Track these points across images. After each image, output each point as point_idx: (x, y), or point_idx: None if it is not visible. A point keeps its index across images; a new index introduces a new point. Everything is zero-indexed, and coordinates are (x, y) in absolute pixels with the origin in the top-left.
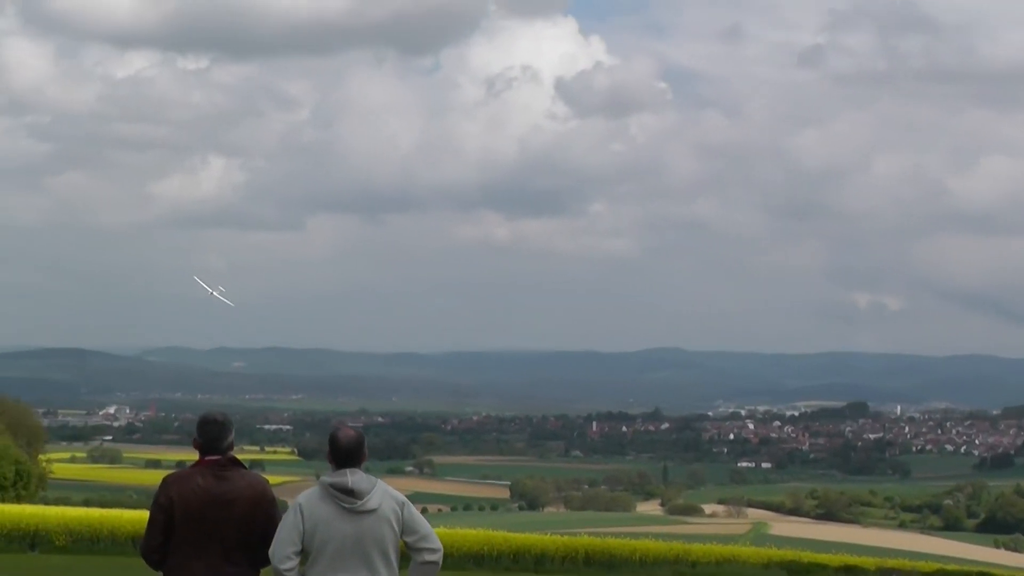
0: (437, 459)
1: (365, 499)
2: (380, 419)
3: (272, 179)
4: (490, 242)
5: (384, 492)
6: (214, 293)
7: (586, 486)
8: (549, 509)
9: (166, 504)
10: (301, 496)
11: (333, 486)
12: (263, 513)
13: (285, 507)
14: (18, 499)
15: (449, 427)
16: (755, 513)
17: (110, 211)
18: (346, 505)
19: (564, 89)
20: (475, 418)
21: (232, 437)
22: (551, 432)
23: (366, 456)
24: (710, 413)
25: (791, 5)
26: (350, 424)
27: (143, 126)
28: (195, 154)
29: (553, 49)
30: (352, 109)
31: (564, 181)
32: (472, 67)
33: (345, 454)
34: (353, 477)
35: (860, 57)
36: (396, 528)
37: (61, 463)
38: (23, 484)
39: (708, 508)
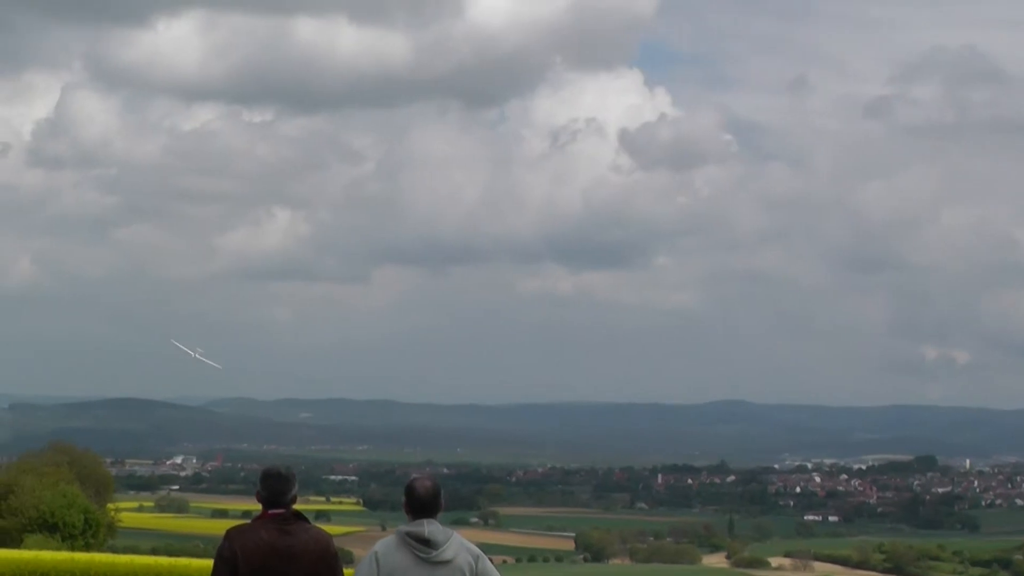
0: (502, 510)
1: (441, 549)
2: (445, 470)
3: (337, 231)
4: (554, 294)
5: (460, 544)
6: (196, 356)
7: (651, 538)
8: (614, 561)
9: (230, 557)
10: (378, 544)
11: (410, 535)
12: (327, 568)
13: (350, 558)
14: (87, 547)
15: (514, 478)
16: (822, 567)
17: (176, 263)
18: (422, 555)
19: (628, 141)
20: (540, 470)
21: (295, 490)
22: (616, 484)
23: (443, 507)
24: (776, 466)
25: (857, 57)
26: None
27: (209, 179)
28: (260, 206)
29: (618, 101)
30: (416, 161)
31: (628, 233)
32: (536, 119)
33: (422, 504)
34: (430, 527)
35: (927, 108)
36: None
37: (129, 512)
38: (92, 533)
39: (774, 561)
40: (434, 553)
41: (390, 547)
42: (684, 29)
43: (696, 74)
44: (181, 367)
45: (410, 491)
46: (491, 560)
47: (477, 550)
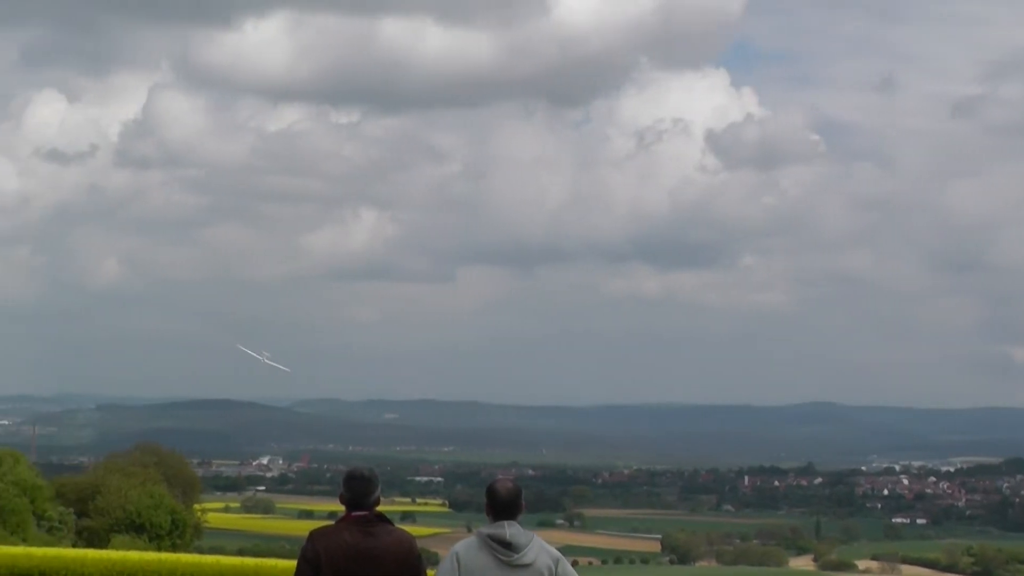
0: (587, 512)
1: (522, 552)
2: (531, 472)
3: (423, 231)
4: (640, 295)
5: (540, 547)
6: (264, 359)
7: (738, 540)
8: (700, 563)
9: (312, 558)
10: (459, 545)
11: (491, 537)
12: (410, 570)
13: (435, 560)
14: (174, 548)
15: (600, 480)
16: (909, 570)
17: (262, 263)
18: (502, 557)
19: (714, 141)
20: (626, 471)
21: (378, 492)
22: (702, 486)
23: (523, 508)
24: (864, 468)
25: (945, 56)
26: (500, 477)
27: (295, 179)
28: (346, 207)
29: (704, 101)
30: (502, 162)
31: (714, 234)
32: (622, 119)
33: (503, 506)
34: (511, 529)
35: (1015, 107)
36: None
37: (215, 512)
38: (179, 533)
39: (862, 564)
40: (515, 556)
41: (471, 548)
42: (771, 28)
43: (783, 73)
44: (267, 368)
45: (492, 492)
46: (575, 562)
47: (557, 552)
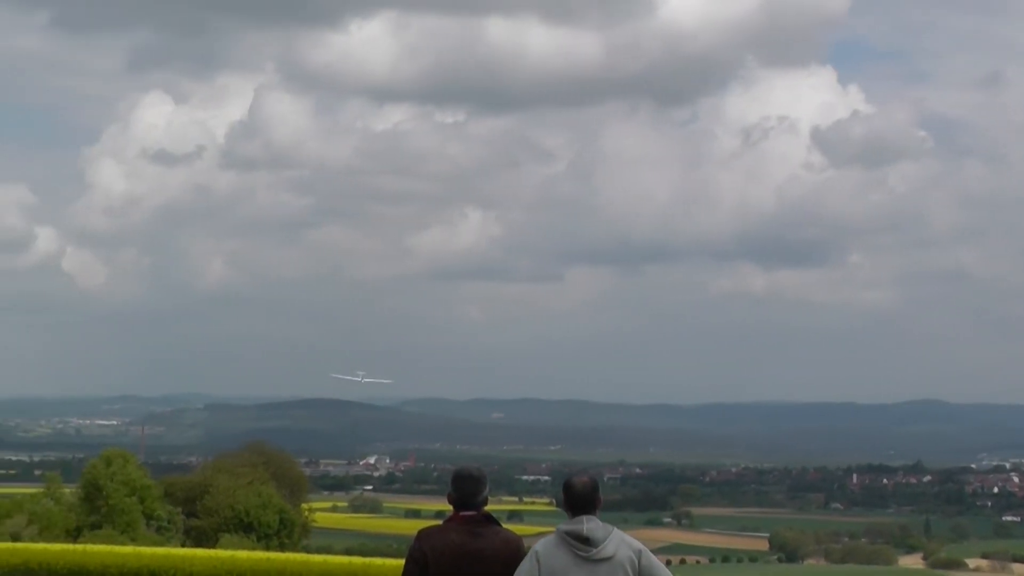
0: (695, 510)
1: (600, 547)
2: (638, 470)
3: (529, 231)
4: (747, 293)
5: (620, 540)
6: (362, 380)
7: (846, 538)
8: (809, 562)
9: (419, 558)
10: (538, 543)
11: (569, 534)
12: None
13: None
14: (281, 547)
15: (707, 478)
16: (1021, 568)
17: (369, 263)
18: (581, 553)
19: (821, 138)
20: (733, 469)
21: (487, 492)
22: (810, 484)
23: (600, 502)
24: (973, 466)
25: None
26: (608, 476)
27: (401, 179)
28: (452, 206)
29: (810, 98)
30: (608, 160)
31: (821, 232)
32: (728, 117)
33: (580, 501)
34: (588, 524)
35: None
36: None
37: (323, 512)
38: (287, 533)
39: (972, 563)
40: (593, 551)
41: (550, 546)
42: (878, 25)
43: (890, 70)
44: (374, 367)
45: (568, 488)
46: (683, 561)
47: (639, 544)
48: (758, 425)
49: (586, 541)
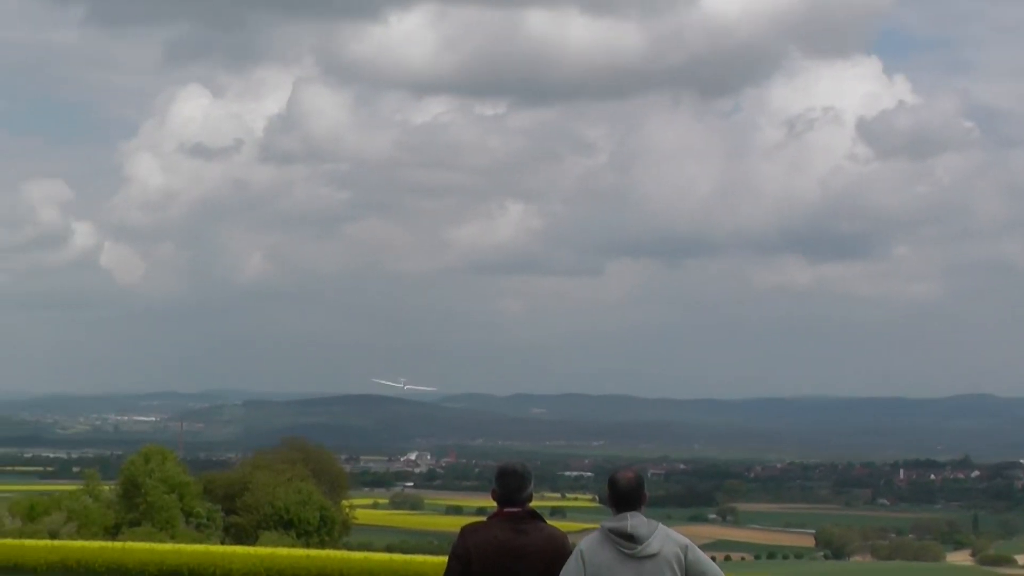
0: (740, 506)
1: (645, 543)
2: (682, 466)
3: (570, 224)
4: (791, 286)
5: (665, 536)
6: (404, 387)
7: (893, 535)
8: (855, 558)
9: (463, 554)
10: (583, 541)
11: (612, 531)
12: (561, 568)
13: None
14: (322, 544)
15: (752, 474)
16: None
17: (408, 257)
18: (625, 550)
19: (866, 129)
20: (779, 465)
21: (531, 488)
22: (857, 479)
23: (646, 498)
24: (1022, 461)
25: None
26: (651, 471)
27: (440, 172)
28: (492, 199)
29: (855, 89)
30: (650, 153)
31: (867, 224)
32: (772, 109)
33: (624, 497)
34: (632, 521)
35: None
36: (678, 572)
37: (363, 509)
38: (327, 530)
39: (1021, 559)
40: (638, 548)
41: (594, 544)
42: (923, 14)
43: (936, 60)
44: (413, 363)
45: (612, 484)
46: (728, 557)
47: (685, 540)
48: (803, 420)
49: (630, 538)
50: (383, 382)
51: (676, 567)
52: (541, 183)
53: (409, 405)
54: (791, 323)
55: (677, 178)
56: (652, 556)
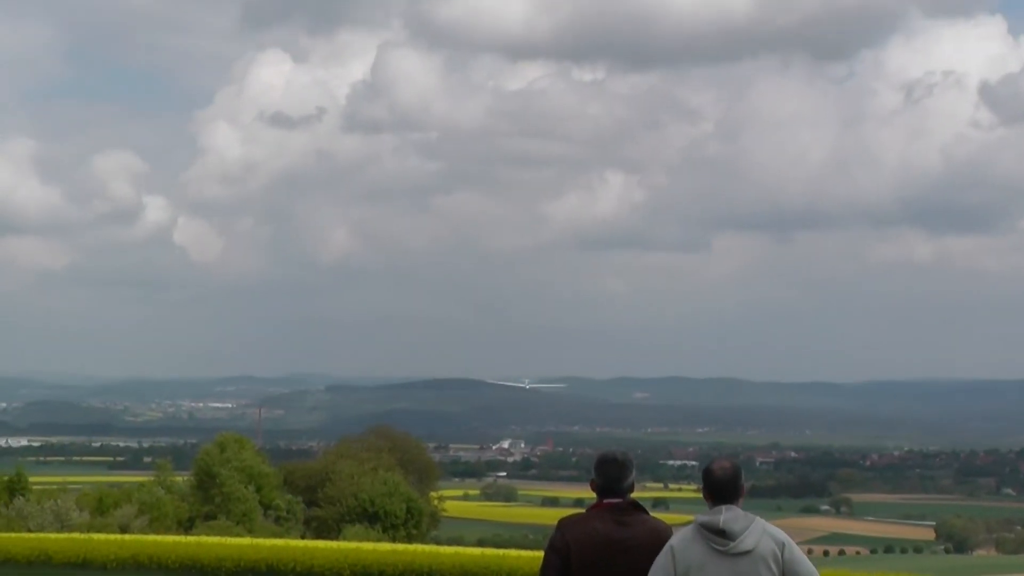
0: (855, 497)
1: (739, 539)
2: (793, 454)
3: (674, 196)
4: (911, 261)
5: (762, 531)
6: (527, 386)
7: (1019, 527)
8: (979, 552)
9: (562, 547)
10: (674, 537)
11: (704, 526)
12: None
13: None
14: (409, 538)
15: (868, 462)
16: None
17: (503, 232)
18: (718, 547)
19: (990, 94)
20: (896, 453)
21: (633, 477)
22: (980, 468)
23: (744, 491)
24: None
25: None
26: (760, 460)
27: (536, 141)
28: (592, 171)
29: (978, 51)
30: (758, 120)
31: (991, 194)
32: (889, 72)
33: (719, 489)
34: (727, 515)
35: None
36: (775, 570)
37: (453, 500)
38: (414, 523)
39: None
40: (731, 544)
41: (687, 539)
42: None
43: None
44: (507, 345)
45: (707, 475)
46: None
47: (783, 536)
48: (923, 404)
49: (723, 533)
50: (505, 384)
51: (773, 565)
52: (643, 153)
53: (502, 390)
54: (910, 301)
55: (788, 147)
56: (747, 553)
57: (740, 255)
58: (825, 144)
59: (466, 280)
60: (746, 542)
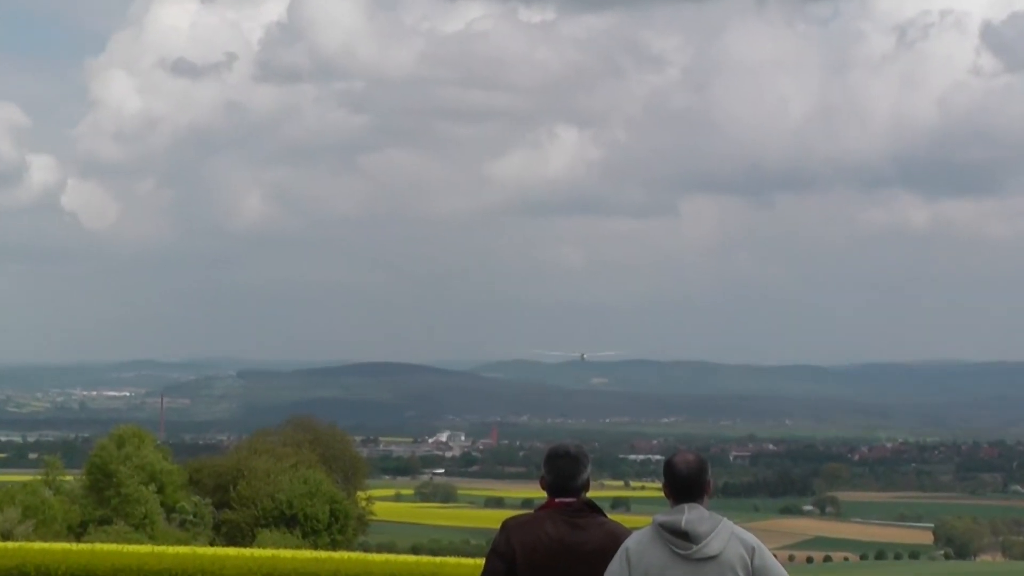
0: (843, 496)
1: (703, 543)
2: (772, 447)
3: (636, 154)
4: (905, 229)
5: (730, 534)
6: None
7: None
8: (983, 557)
9: (506, 552)
10: (631, 538)
11: (665, 526)
12: None
13: None
14: (333, 544)
15: (857, 456)
16: None
17: (440, 196)
18: (679, 550)
19: (993, 36)
20: (889, 445)
21: (588, 474)
22: (984, 462)
23: (711, 487)
24: None
25: None
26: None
27: (477, 92)
28: (540, 125)
29: None
30: (731, 67)
31: (995, 151)
32: (879, 12)
33: (682, 485)
34: (690, 515)
35: None
36: None
37: (384, 502)
38: (339, 527)
39: None
40: (694, 548)
41: (643, 542)
42: None
43: None
44: (446, 325)
45: (668, 468)
46: (827, 558)
47: (753, 540)
48: (920, 390)
49: (685, 536)
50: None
51: (741, 572)
52: (600, 105)
53: (441, 375)
54: (905, 272)
55: (765, 97)
56: (712, 558)
57: (712, 221)
58: (808, 94)
59: (399, 250)
60: (711, 546)
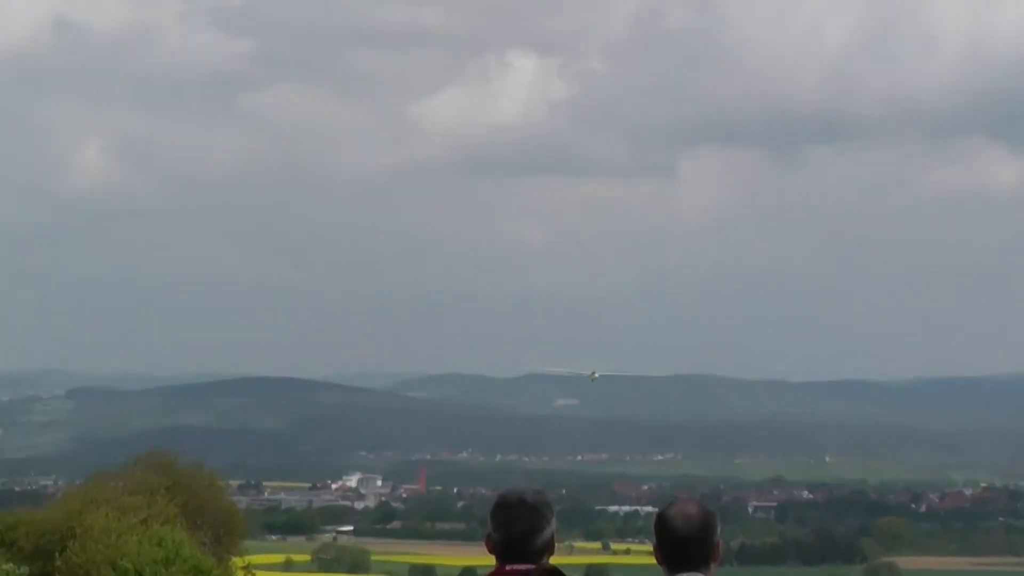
0: (904, 562)
1: None
2: (807, 493)
3: (617, 92)
4: (985, 189)
5: None
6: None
7: None
8: None
9: None
10: None
11: None
12: None
13: None
14: None
15: (924, 507)
16: None
17: (347, 150)
18: None
19: None
20: (968, 492)
21: (551, 530)
22: None
23: (719, 551)
24: None
25: None
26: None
27: (400, 8)
28: (486, 52)
29: None
30: None
31: None
32: None
33: (680, 547)
34: None
35: None
36: None
37: (270, 571)
38: None
39: None
40: None
41: None
42: None
43: None
44: (358, 326)
45: (663, 524)
46: None
47: None
48: (1012, 416)
49: None
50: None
51: None
52: (568, 25)
53: (350, 394)
54: (986, 252)
55: (792, 18)
56: None
57: (721, 184)
58: (849, 14)
59: (292, 225)
60: None
